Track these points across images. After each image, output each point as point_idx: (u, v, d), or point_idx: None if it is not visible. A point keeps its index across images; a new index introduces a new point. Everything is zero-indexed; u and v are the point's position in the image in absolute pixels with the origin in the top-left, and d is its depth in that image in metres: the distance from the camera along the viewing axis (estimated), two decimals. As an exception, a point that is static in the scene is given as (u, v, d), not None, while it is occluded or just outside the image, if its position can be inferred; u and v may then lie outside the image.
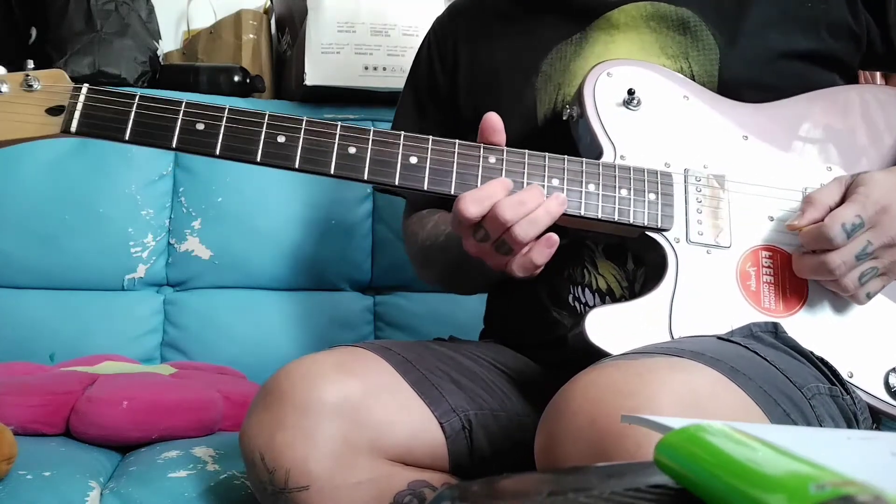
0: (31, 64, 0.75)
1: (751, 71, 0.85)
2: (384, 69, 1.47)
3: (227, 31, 1.67)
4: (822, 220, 0.72)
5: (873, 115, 0.86)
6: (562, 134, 0.85)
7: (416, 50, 1.07)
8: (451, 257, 0.91)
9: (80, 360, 1.22)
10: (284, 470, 0.71)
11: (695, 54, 0.85)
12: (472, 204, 0.70)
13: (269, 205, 1.43)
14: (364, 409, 0.73)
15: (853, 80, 0.92)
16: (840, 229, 0.71)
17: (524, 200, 0.70)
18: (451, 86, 1.00)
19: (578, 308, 0.86)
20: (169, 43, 1.76)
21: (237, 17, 1.67)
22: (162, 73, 1.58)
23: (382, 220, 1.47)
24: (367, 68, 1.47)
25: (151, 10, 1.61)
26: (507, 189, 0.72)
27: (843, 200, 0.74)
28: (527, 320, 0.91)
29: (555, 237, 0.72)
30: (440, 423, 0.76)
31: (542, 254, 0.72)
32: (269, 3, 1.75)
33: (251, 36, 1.65)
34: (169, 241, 1.41)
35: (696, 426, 0.33)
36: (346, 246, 1.45)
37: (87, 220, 1.36)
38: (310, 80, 1.45)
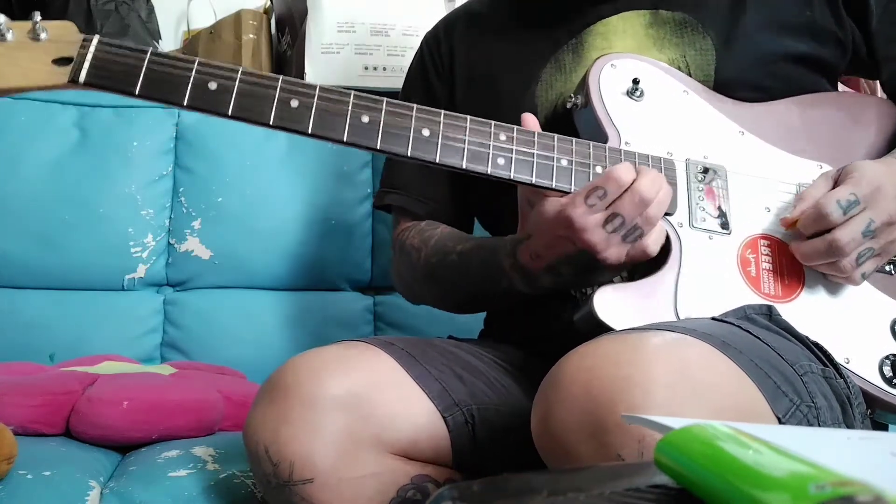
0: (38, 15, 0.69)
1: (745, 72, 0.87)
2: (384, 69, 1.47)
3: (227, 32, 1.67)
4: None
5: (863, 120, 0.89)
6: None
7: (415, 52, 1.07)
8: (472, 280, 0.88)
9: (80, 360, 1.22)
10: (289, 463, 0.71)
11: (692, 54, 0.88)
12: (628, 170, 0.72)
13: (269, 205, 1.43)
14: (368, 404, 0.73)
15: (836, 83, 0.95)
16: (836, 205, 0.73)
17: (656, 178, 0.72)
18: (449, 94, 1.00)
19: (579, 298, 0.86)
20: (169, 43, 1.76)
21: (237, 17, 1.67)
22: (162, 73, 1.57)
23: (382, 220, 1.47)
24: (367, 68, 1.47)
25: (151, 10, 1.62)
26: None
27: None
28: (528, 311, 0.92)
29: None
30: (443, 418, 0.77)
31: (657, 241, 0.74)
32: (269, 3, 1.75)
33: (251, 36, 1.65)
34: (169, 241, 1.41)
35: (697, 426, 0.33)
36: (346, 246, 1.45)
37: (87, 220, 1.36)
38: (310, 79, 1.44)
